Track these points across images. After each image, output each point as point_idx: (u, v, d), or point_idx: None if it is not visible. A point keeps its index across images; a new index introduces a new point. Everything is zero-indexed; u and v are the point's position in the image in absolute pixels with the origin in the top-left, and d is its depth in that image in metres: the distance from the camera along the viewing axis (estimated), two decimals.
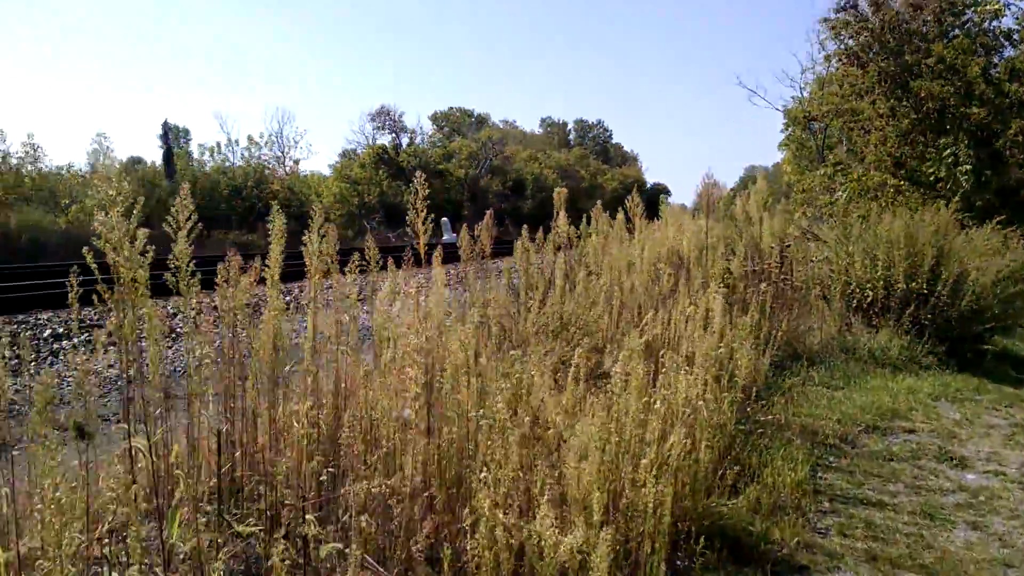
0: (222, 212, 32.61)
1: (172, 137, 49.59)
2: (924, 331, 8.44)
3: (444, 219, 32.83)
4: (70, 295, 2.85)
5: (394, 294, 3.69)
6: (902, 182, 16.69)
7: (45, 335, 8.18)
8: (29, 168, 31.75)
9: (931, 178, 15.38)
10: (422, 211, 4.10)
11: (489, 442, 2.49)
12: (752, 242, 9.94)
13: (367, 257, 4.09)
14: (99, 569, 2.94)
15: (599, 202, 9.25)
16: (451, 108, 71.18)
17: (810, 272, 9.55)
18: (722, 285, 7.56)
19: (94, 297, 2.74)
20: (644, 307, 5.99)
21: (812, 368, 7.41)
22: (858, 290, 8.94)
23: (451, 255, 6.13)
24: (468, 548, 2.11)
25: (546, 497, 2.04)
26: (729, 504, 3.66)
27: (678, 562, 3.25)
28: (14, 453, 4.35)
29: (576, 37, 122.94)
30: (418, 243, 6.14)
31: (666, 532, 2.94)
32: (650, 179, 73.81)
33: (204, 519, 2.69)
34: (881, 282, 8.77)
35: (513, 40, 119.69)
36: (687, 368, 4.13)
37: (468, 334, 3.08)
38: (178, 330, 8.40)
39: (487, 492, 1.94)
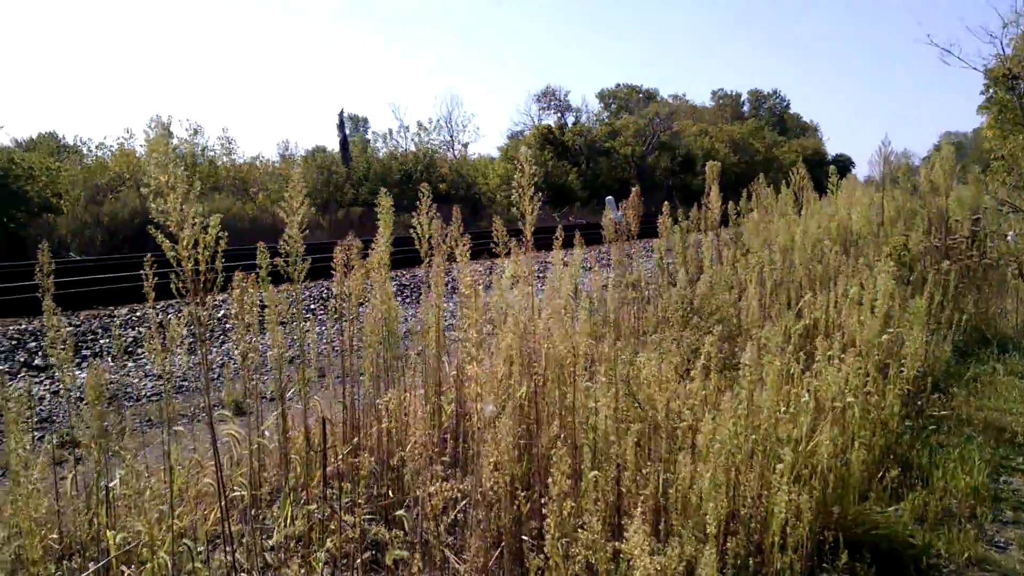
0: (394, 196, 33.76)
1: (351, 126, 52.12)
2: None
3: (609, 197, 32.43)
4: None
5: (515, 279, 3.55)
6: None
7: (219, 315, 8.72)
8: (224, 160, 34.43)
9: None
10: None
11: (592, 441, 2.30)
12: (937, 215, 9.05)
13: (495, 239, 3.99)
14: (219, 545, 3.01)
15: (760, 175, 8.72)
16: (618, 85, 70.22)
17: (1005, 247, 8.54)
18: (897, 263, 6.93)
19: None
20: (803, 289, 5.53)
21: (1003, 355, 6.61)
22: None
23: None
24: (532, 566, 1.92)
25: (639, 508, 1.82)
26: (887, 511, 3.26)
27: (824, 573, 2.91)
28: (177, 429, 4.63)
29: (749, 3, 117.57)
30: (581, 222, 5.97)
31: (804, 543, 2.63)
32: (832, 150, 69.52)
33: (312, 504, 2.68)
34: None
35: (683, 10, 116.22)
36: (843, 357, 3.74)
37: (581, 323, 2.89)
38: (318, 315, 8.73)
39: (555, 500, 1.74)
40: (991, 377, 6.00)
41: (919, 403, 4.85)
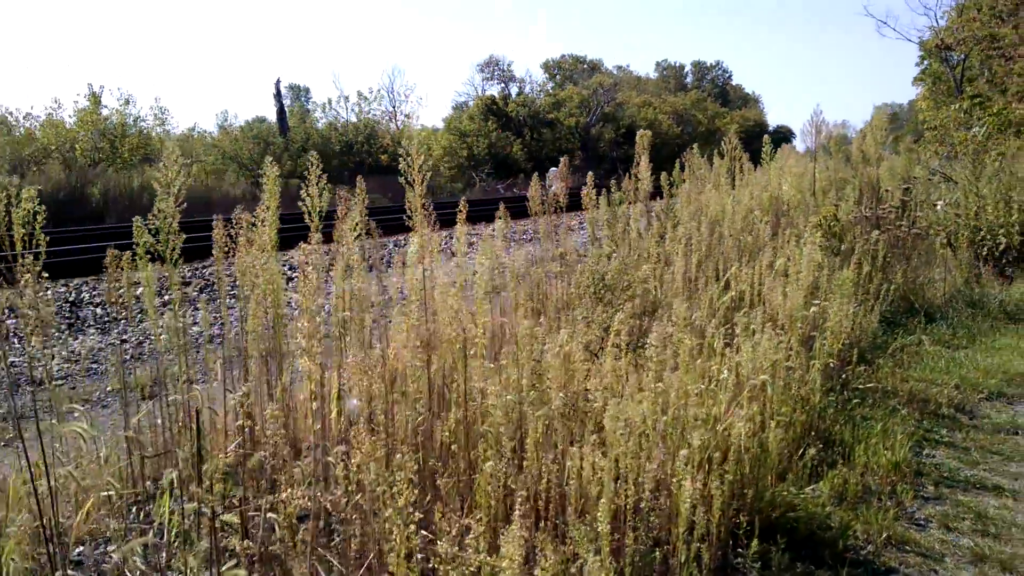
0: (334, 168, 33.16)
1: (292, 96, 50.92)
2: None
3: (552, 169, 32.29)
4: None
5: (422, 255, 3.32)
6: None
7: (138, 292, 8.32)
8: (158, 131, 33.36)
9: None
10: None
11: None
12: (868, 185, 9.06)
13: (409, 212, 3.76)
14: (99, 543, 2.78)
15: (694, 146, 8.60)
16: (563, 56, 69.93)
17: (934, 217, 8.59)
18: (826, 233, 6.88)
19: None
20: (730, 261, 5.42)
21: (931, 325, 6.63)
22: (989, 236, 7.98)
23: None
24: None
25: (518, 510, 1.63)
26: (804, 492, 3.15)
27: (737, 561, 2.79)
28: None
29: None
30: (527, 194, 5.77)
31: (713, 531, 2.49)
32: (773, 121, 70.23)
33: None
34: (1017, 227, 7.79)
35: None
36: (767, 330, 3.61)
37: (477, 300, 2.69)
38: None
39: (400, 512, 1.54)
40: (917, 347, 6.00)
41: (844, 376, 4.79)
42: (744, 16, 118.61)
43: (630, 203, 6.53)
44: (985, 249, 8.00)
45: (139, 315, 7.68)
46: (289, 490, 1.63)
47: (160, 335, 3.19)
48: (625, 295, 3.65)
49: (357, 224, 3.54)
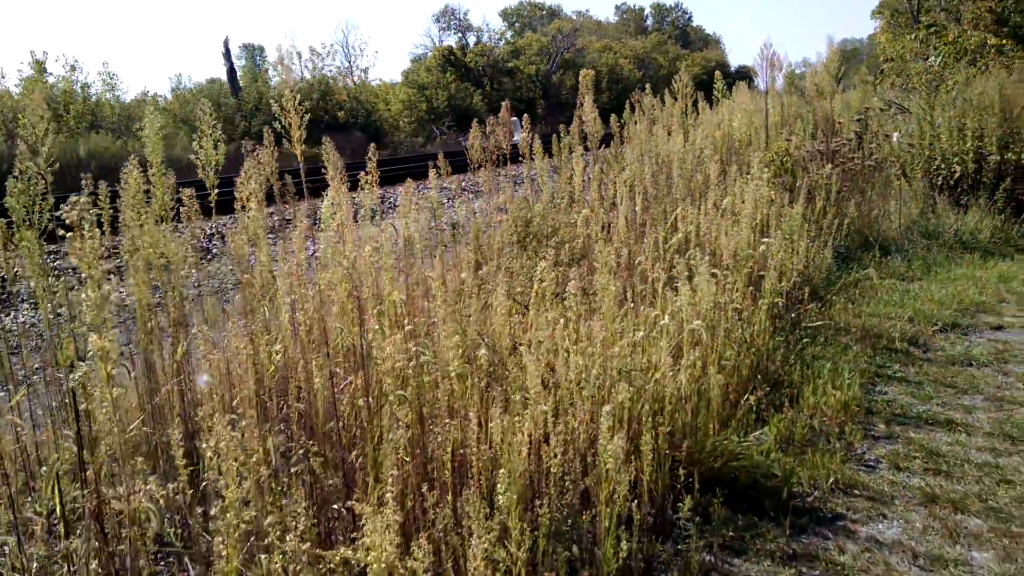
0: (287, 127, 32.39)
1: (247, 56, 49.46)
2: (1022, 208, 7.38)
3: (514, 118, 31.81)
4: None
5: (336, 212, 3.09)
6: (1005, 41, 14.92)
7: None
8: (107, 97, 32.34)
9: None
10: None
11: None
12: (823, 119, 8.89)
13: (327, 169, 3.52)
14: None
15: (647, 86, 8.35)
16: (521, 3, 68.80)
17: (889, 149, 8.46)
18: (779, 169, 6.71)
19: None
20: (678, 203, 5.24)
21: (886, 258, 6.53)
22: (944, 165, 7.86)
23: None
24: None
25: (389, 483, 1.45)
26: (747, 439, 3.00)
27: (677, 517, 2.64)
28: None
29: None
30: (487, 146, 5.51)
31: (646, 490, 2.34)
32: (735, 62, 69.69)
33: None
34: (971, 155, 7.67)
35: None
36: (706, 271, 3.44)
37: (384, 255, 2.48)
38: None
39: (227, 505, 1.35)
40: (872, 283, 5.89)
41: (795, 315, 4.65)
42: None
43: (587, 149, 6.30)
44: (940, 179, 7.89)
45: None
46: (127, 483, 1.44)
47: (49, 313, 2.95)
48: (551, 242, 3.44)
49: (267, 184, 3.31)
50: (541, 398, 2.18)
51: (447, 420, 1.99)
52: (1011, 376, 4.15)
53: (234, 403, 2.22)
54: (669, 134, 6.87)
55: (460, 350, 2.17)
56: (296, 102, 2.74)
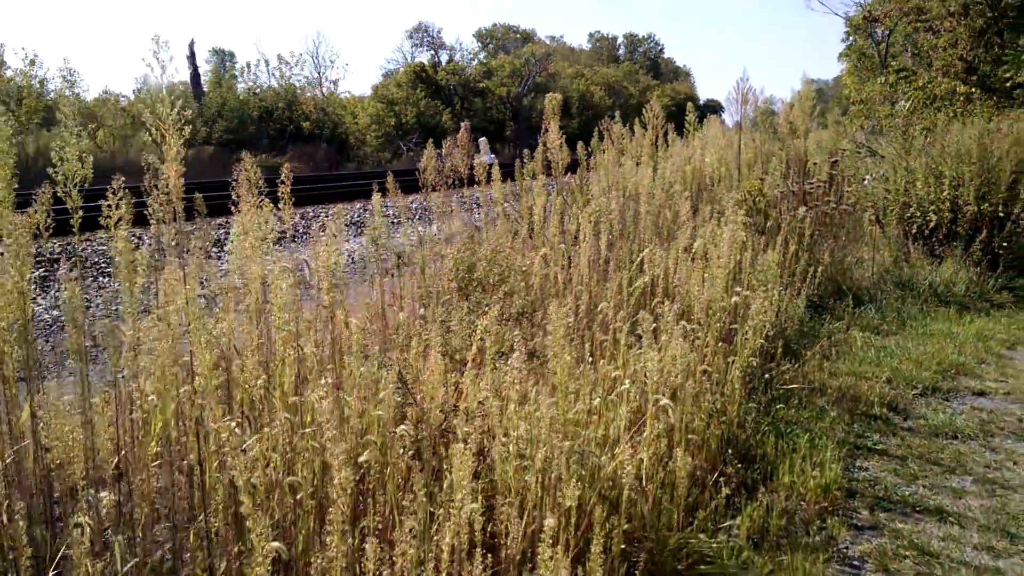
0: (251, 134, 31.73)
1: (217, 60, 48.46)
2: (998, 262, 7.12)
3: (482, 139, 31.45)
4: None
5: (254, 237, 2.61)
6: (974, 89, 14.92)
7: None
8: (67, 94, 31.38)
9: (1008, 84, 13.59)
10: None
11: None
12: (796, 158, 8.59)
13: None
14: None
15: (616, 114, 7.99)
16: (495, 24, 68.92)
17: (862, 192, 8.18)
18: (751, 209, 6.36)
19: None
20: (645, 242, 4.83)
21: (859, 309, 6.18)
22: (919, 213, 7.59)
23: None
24: None
25: None
26: (717, 535, 2.57)
27: None
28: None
29: None
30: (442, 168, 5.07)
31: None
32: (703, 95, 70.46)
33: None
34: (947, 203, 7.41)
35: None
36: (677, 328, 3.02)
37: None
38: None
39: None
40: (846, 335, 5.53)
41: (767, 374, 4.25)
42: None
43: (551, 176, 5.87)
44: (915, 227, 7.61)
45: None
46: None
47: None
48: (500, 290, 2.97)
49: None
50: (470, 498, 1.71)
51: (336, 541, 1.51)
52: (999, 452, 3.78)
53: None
54: (637, 165, 6.48)
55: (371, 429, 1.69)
56: (175, 111, 2.24)
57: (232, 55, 58.17)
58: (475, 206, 8.83)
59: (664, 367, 2.74)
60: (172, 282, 2.02)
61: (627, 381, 2.78)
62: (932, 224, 7.46)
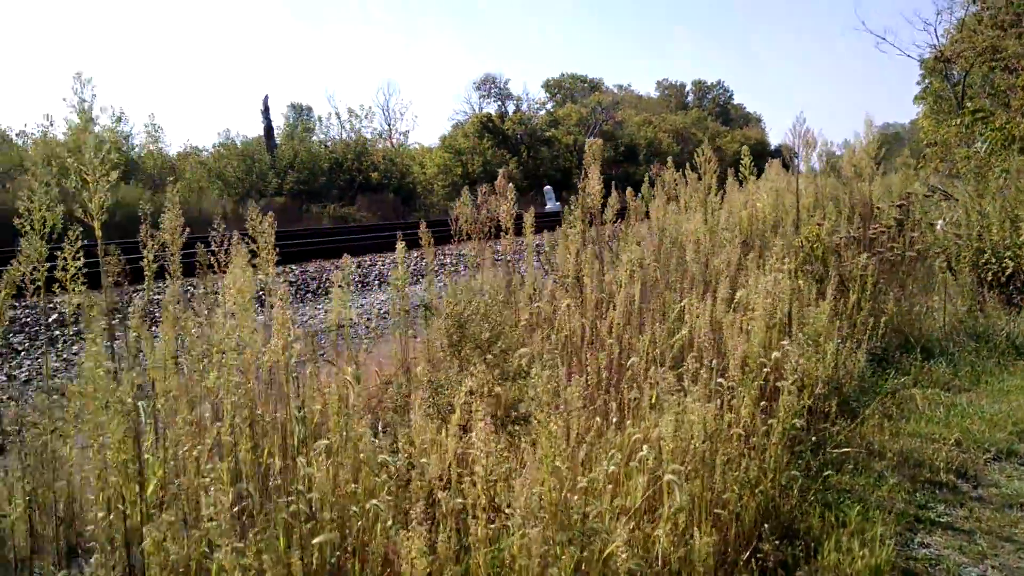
0: (321, 185, 32.46)
1: (294, 115, 49.97)
2: None
3: (548, 187, 31.52)
4: None
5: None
6: None
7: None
8: (151, 148, 32.86)
9: None
10: None
11: None
12: (860, 202, 8.20)
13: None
14: None
15: (669, 159, 7.78)
16: (563, 75, 69.66)
17: (933, 238, 7.72)
18: (807, 256, 6.03)
19: None
20: (685, 292, 4.57)
21: (928, 363, 5.74)
22: (994, 260, 7.10)
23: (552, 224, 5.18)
24: None
25: None
26: None
27: None
28: None
29: None
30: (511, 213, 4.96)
31: None
32: (775, 140, 69.38)
33: None
34: None
35: (628, 1, 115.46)
36: (720, 383, 2.76)
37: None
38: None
39: None
40: (912, 391, 5.12)
41: (819, 435, 3.91)
42: (745, 34, 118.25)
43: (600, 224, 5.67)
44: (990, 274, 7.12)
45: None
46: None
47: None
48: (496, 347, 2.73)
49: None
50: None
51: None
52: None
53: None
54: (685, 210, 6.24)
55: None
56: (99, 160, 2.12)
57: (309, 109, 60.03)
58: (518, 257, 8.69)
59: (685, 431, 2.48)
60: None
61: (645, 447, 2.53)
62: (1009, 271, 6.96)
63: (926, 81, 31.57)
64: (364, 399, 2.58)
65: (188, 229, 3.13)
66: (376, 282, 11.28)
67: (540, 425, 1.88)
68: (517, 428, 2.33)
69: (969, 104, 19.86)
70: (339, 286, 2.90)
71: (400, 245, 3.90)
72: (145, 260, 2.80)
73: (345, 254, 3.34)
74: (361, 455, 1.84)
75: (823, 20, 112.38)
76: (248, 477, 1.96)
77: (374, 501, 1.78)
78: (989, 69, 15.97)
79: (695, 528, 2.28)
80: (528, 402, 1.92)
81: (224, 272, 3.20)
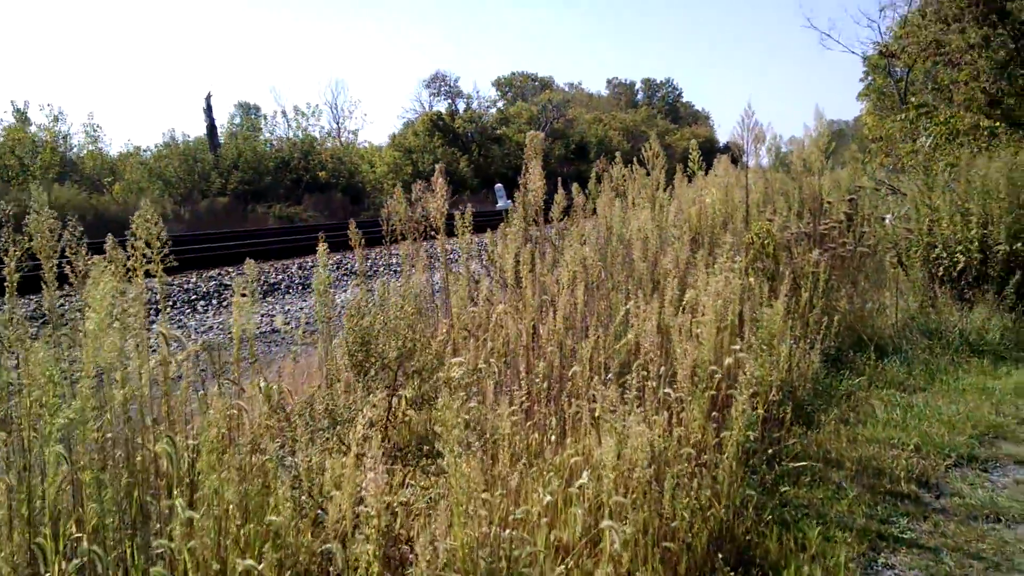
0: (266, 185, 31.71)
1: (244, 113, 48.75)
2: None
3: (498, 185, 31.20)
4: None
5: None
6: (998, 123, 14.36)
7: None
8: (89, 148, 31.74)
9: None
10: None
11: None
12: (810, 197, 8.04)
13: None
14: None
15: (617, 154, 7.52)
16: (514, 73, 69.57)
17: (883, 232, 7.60)
18: (758, 253, 5.81)
19: None
20: (631, 295, 4.30)
21: (882, 361, 5.57)
22: (945, 254, 6.99)
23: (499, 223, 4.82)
24: None
25: None
26: None
27: None
28: None
29: None
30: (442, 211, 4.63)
31: None
32: (723, 138, 69.91)
33: None
34: (976, 243, 6.81)
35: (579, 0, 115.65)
36: (665, 396, 2.48)
37: None
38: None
39: None
40: (867, 393, 4.93)
41: (773, 445, 3.67)
42: (693, 34, 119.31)
43: (546, 222, 5.37)
44: (941, 269, 7.00)
45: None
46: None
47: None
48: (408, 366, 2.36)
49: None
50: None
51: None
52: None
53: None
54: (633, 206, 5.98)
55: None
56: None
57: (257, 108, 58.81)
58: (454, 258, 8.36)
59: (629, 455, 2.19)
60: None
61: (586, 473, 2.23)
62: (960, 266, 6.85)
63: (869, 78, 32.01)
64: (263, 427, 2.25)
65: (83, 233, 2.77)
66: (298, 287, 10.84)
67: (451, 468, 1.57)
68: (430, 464, 2.02)
69: (913, 99, 20.04)
70: (242, 294, 2.55)
71: (322, 247, 3.57)
72: (7, 270, 2.41)
73: (248, 259, 2.99)
74: (230, 506, 1.52)
75: (769, 17, 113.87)
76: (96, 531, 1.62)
77: (248, 561, 1.46)
78: (932, 64, 16.05)
79: (641, 566, 1.99)
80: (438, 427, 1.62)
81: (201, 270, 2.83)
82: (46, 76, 73.59)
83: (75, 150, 32.33)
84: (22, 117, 30.15)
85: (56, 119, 31.14)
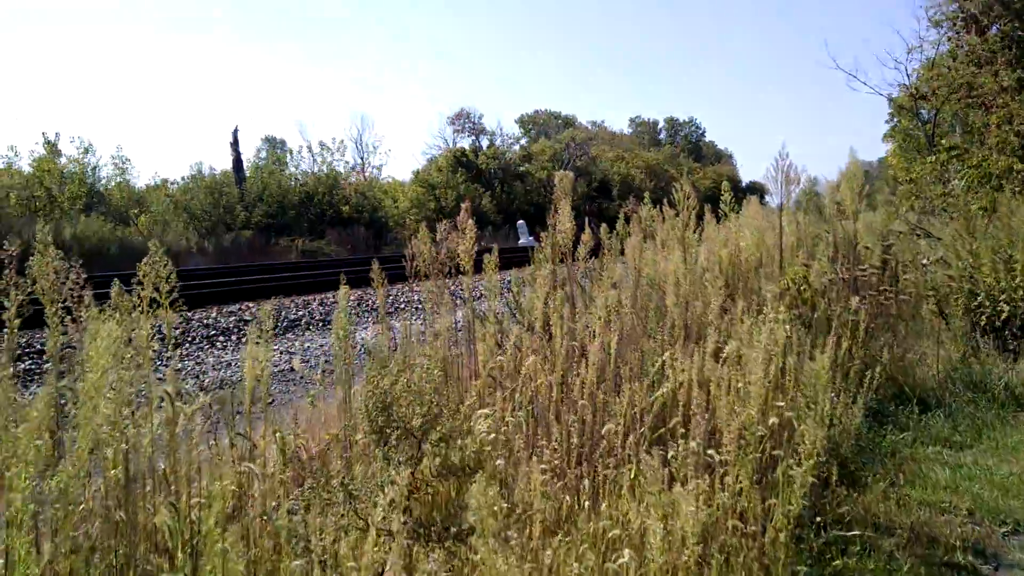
0: (290, 218, 31.86)
1: (271, 148, 49.19)
2: None
3: (520, 222, 31.16)
4: None
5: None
6: None
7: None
8: (117, 180, 32.01)
9: None
10: None
11: None
12: (845, 241, 7.82)
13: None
14: None
15: (646, 194, 7.35)
16: (537, 111, 70.12)
17: (922, 279, 7.34)
18: (795, 300, 5.60)
19: None
20: (667, 345, 4.10)
21: (926, 415, 5.31)
22: (987, 303, 6.72)
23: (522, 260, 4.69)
24: None
25: None
26: None
27: None
28: None
29: (666, 31, 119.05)
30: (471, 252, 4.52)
31: None
32: (746, 177, 69.69)
33: None
34: (1021, 292, 6.55)
35: (602, 39, 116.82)
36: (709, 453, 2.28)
37: None
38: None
39: None
40: (912, 450, 4.67)
41: (821, 512, 3.42)
42: (716, 72, 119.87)
43: (573, 262, 5.21)
44: (984, 318, 6.73)
45: None
46: None
47: None
48: (433, 434, 2.16)
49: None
50: None
51: None
52: None
53: None
54: (662, 248, 5.80)
55: None
56: None
57: (283, 142, 59.43)
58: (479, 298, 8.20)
59: (673, 534, 1.98)
60: None
61: (627, 552, 2.02)
62: (1004, 315, 6.58)
63: (895, 119, 31.70)
64: (277, 482, 2.07)
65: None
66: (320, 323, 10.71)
67: (486, 559, 1.38)
68: (458, 545, 1.83)
69: (943, 142, 19.78)
70: (256, 342, 2.39)
71: (343, 290, 3.42)
72: (8, 314, 2.27)
73: (263, 299, 2.83)
74: None
75: (794, 59, 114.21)
76: None
77: None
78: (964, 106, 15.85)
79: None
80: (470, 513, 1.43)
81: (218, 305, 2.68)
82: (77, 109, 75.05)
83: (103, 182, 32.63)
84: (53, 149, 30.52)
85: (86, 151, 31.50)
